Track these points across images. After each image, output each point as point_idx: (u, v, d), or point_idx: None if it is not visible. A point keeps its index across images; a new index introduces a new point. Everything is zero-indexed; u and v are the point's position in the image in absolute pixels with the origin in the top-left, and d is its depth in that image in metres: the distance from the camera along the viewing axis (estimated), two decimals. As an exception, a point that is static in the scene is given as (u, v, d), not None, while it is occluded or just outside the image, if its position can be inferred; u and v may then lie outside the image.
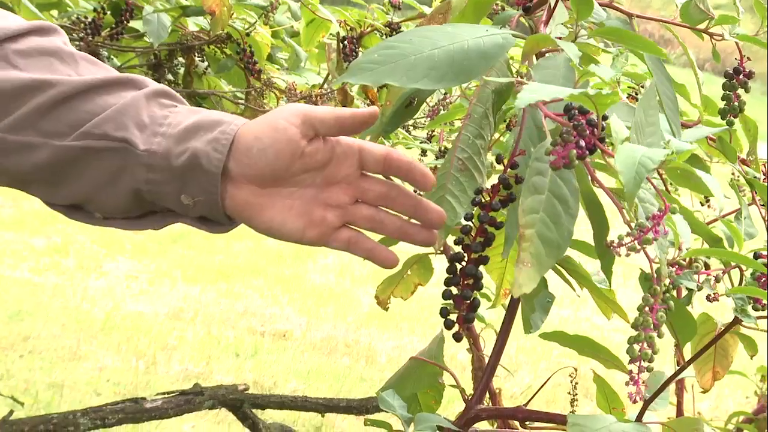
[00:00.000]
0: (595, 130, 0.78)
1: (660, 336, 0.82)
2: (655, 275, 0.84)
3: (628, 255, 0.79)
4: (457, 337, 0.99)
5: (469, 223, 0.96)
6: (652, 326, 0.82)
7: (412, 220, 0.99)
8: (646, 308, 0.83)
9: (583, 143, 0.77)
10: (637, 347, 0.81)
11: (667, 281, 0.84)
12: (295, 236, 0.98)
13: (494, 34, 0.96)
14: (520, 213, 0.84)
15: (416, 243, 0.99)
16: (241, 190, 0.95)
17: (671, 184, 1.37)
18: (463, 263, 0.97)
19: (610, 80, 0.88)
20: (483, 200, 0.95)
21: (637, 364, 0.81)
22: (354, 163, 0.98)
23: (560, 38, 1.03)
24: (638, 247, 0.78)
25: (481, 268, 0.97)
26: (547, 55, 1.04)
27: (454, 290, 0.96)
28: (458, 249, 0.97)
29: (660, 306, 0.83)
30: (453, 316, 0.97)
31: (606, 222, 0.98)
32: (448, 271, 0.96)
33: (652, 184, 0.81)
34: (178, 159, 0.92)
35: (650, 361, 0.81)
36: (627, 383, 0.82)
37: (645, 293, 0.84)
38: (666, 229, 0.78)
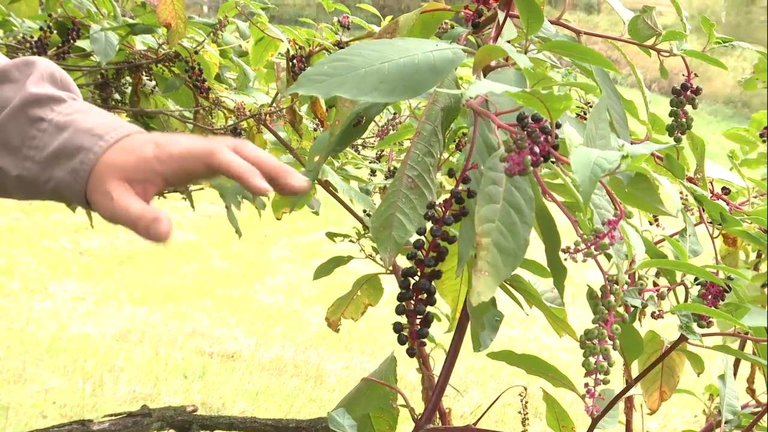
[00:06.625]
0: (549, 137, 0.78)
1: (615, 349, 0.82)
2: (608, 287, 0.84)
3: (584, 260, 0.78)
4: (410, 353, 0.98)
5: (422, 237, 0.96)
6: (607, 338, 0.82)
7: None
8: (601, 321, 0.83)
9: (537, 149, 0.77)
10: (592, 360, 0.81)
11: (612, 299, 0.84)
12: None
13: (444, 48, 0.96)
14: (476, 222, 0.84)
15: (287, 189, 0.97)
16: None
17: (620, 203, 1.37)
18: (416, 278, 0.96)
19: (561, 81, 0.88)
20: (435, 215, 0.95)
21: (593, 376, 0.81)
22: None
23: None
24: (595, 252, 0.77)
25: (436, 293, 0.96)
26: (497, 69, 1.04)
27: (407, 305, 0.96)
28: (411, 264, 0.97)
29: (615, 318, 0.83)
30: (406, 332, 0.96)
31: (557, 236, 0.99)
32: (401, 286, 0.96)
33: (606, 189, 0.82)
34: (45, 186, 0.96)
35: (606, 373, 0.81)
36: (583, 396, 0.81)
37: (599, 306, 0.84)
38: (621, 234, 0.78)
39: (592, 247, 0.77)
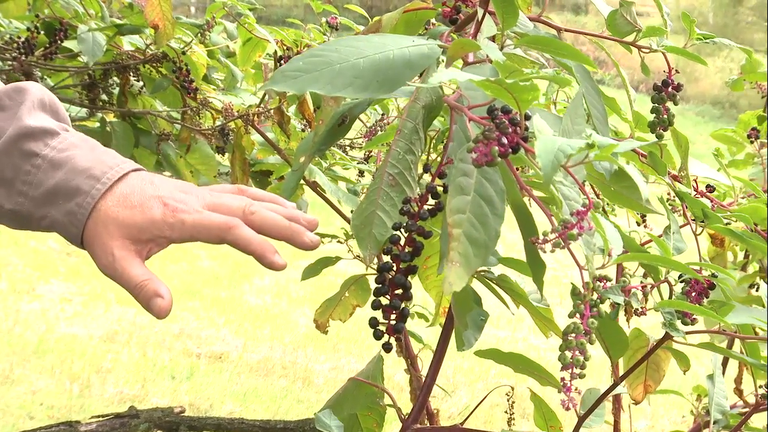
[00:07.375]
0: (518, 128, 0.78)
1: (591, 343, 0.82)
2: (584, 280, 0.83)
3: (553, 251, 0.78)
4: (386, 348, 0.98)
5: (398, 233, 0.96)
6: (583, 333, 0.81)
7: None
8: (577, 315, 0.82)
9: (505, 141, 0.77)
10: (568, 354, 0.81)
11: (595, 296, 0.84)
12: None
13: (420, 44, 0.96)
14: (447, 212, 0.84)
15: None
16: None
17: (608, 203, 1.37)
18: (392, 273, 0.96)
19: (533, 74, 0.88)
20: (411, 209, 0.95)
21: (569, 371, 0.81)
22: None
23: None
24: (563, 243, 0.77)
25: (421, 287, 0.96)
26: (474, 65, 1.04)
27: (384, 300, 0.96)
28: (387, 259, 0.97)
29: (591, 313, 0.82)
30: (382, 327, 0.97)
31: (535, 231, 0.99)
32: (377, 281, 0.96)
33: (576, 180, 0.81)
34: (40, 222, 0.96)
35: (582, 367, 0.81)
36: (559, 391, 0.81)
37: (576, 300, 0.84)
38: (591, 225, 0.77)
39: (560, 239, 0.77)
